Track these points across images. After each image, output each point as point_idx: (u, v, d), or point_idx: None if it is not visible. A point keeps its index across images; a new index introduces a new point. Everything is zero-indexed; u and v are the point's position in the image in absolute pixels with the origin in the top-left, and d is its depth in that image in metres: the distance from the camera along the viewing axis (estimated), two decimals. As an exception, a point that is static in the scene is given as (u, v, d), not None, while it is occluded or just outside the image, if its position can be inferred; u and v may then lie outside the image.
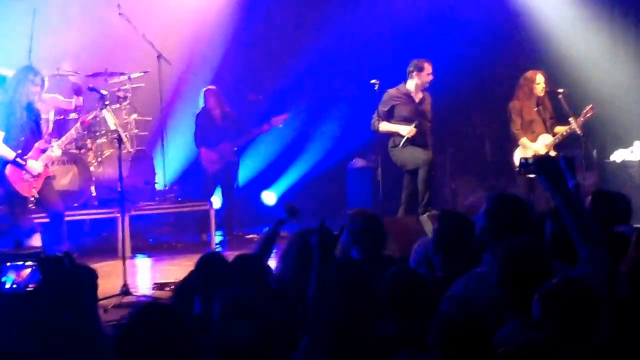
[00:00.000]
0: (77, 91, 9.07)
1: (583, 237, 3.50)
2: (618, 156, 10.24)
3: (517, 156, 9.32)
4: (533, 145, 9.37)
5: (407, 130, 9.14)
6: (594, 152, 9.93)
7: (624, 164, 10.12)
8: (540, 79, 9.42)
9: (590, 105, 9.37)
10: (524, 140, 9.39)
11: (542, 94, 9.44)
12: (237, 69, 11.86)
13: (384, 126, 9.21)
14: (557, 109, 9.53)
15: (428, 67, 9.26)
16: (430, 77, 9.28)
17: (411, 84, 9.28)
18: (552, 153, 9.33)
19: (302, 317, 3.99)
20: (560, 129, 9.44)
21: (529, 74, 9.48)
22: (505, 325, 3.37)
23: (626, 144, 10.42)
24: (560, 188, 3.55)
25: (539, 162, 3.61)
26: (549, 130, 9.47)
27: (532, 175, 4.21)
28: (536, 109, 9.46)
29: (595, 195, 5.29)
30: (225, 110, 10.61)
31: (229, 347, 3.22)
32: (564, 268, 3.68)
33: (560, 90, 9.36)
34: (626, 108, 10.96)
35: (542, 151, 9.32)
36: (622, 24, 11.16)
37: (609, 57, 11.14)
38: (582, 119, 9.32)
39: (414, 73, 9.26)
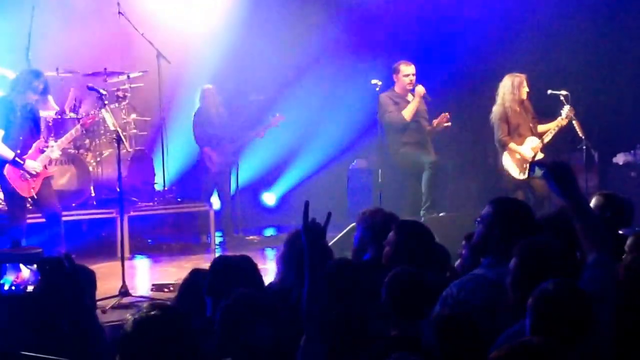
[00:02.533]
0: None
1: (592, 241, 3.48)
2: (620, 159, 10.22)
3: (507, 161, 9.24)
4: (521, 149, 9.25)
5: (419, 95, 9.13)
6: (596, 155, 9.89)
7: (626, 167, 10.10)
8: (525, 82, 9.32)
9: (569, 107, 9.29)
10: (512, 145, 9.27)
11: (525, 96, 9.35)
12: (237, 68, 11.81)
13: (407, 111, 9.16)
14: (536, 108, 9.47)
15: (404, 69, 9.25)
16: (409, 78, 9.21)
17: (397, 87, 9.32)
18: (540, 155, 9.25)
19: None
20: (546, 127, 9.34)
21: (517, 78, 9.30)
22: (515, 324, 3.36)
23: (628, 147, 10.40)
24: (571, 192, 3.53)
25: (549, 166, 3.58)
26: (533, 130, 9.37)
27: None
28: (518, 109, 9.34)
29: (599, 198, 5.28)
30: (220, 111, 10.57)
31: (247, 347, 3.20)
32: None
33: (564, 93, 9.31)
34: (628, 110, 10.93)
35: (530, 154, 9.23)
36: (626, 24, 11.11)
37: (612, 58, 11.10)
38: (565, 120, 9.25)
39: (394, 76, 9.31)
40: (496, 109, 9.32)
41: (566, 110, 9.22)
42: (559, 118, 9.24)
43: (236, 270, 4.22)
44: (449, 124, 9.43)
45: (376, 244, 4.90)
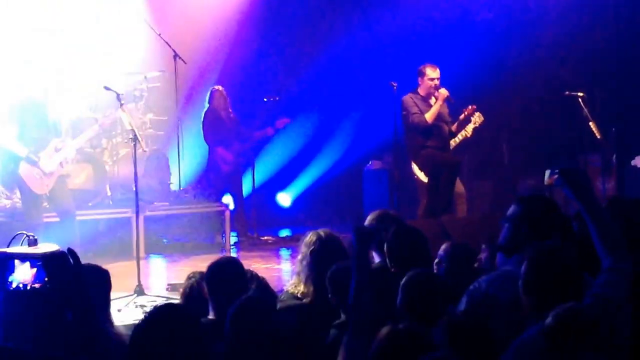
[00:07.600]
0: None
1: (607, 247, 3.47)
2: (639, 162, 10.12)
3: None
4: None
5: (442, 98, 9.07)
6: (614, 158, 9.81)
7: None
8: None
9: (473, 106, 9.29)
10: None
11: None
12: (253, 69, 11.83)
13: (429, 114, 9.12)
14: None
15: (429, 72, 9.17)
16: (433, 82, 9.11)
17: (421, 90, 9.26)
18: None
19: (324, 318, 4.04)
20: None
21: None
22: (528, 329, 3.33)
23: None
24: (585, 197, 3.53)
25: (564, 172, 3.57)
26: None
27: None
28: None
29: (613, 202, 5.21)
30: (229, 112, 10.56)
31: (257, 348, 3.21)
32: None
33: (580, 94, 9.24)
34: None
35: None
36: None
37: (630, 59, 10.99)
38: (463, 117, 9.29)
39: (419, 79, 9.25)
40: None
41: (468, 108, 9.25)
42: (592, 123, 9.16)
43: (236, 273, 4.24)
44: (481, 119, 9.32)
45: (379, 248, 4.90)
